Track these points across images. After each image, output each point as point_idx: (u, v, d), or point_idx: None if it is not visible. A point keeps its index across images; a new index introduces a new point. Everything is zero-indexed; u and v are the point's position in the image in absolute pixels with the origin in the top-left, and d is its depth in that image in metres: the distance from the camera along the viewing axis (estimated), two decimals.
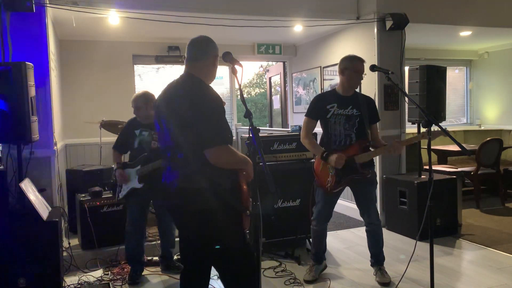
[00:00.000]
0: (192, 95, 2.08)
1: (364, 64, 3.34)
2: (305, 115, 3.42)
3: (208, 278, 2.36)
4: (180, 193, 2.12)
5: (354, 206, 3.53)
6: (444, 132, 2.74)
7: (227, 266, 2.18)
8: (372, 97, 3.66)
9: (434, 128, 2.80)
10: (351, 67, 3.28)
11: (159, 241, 3.89)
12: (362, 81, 5.13)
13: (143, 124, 3.60)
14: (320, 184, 3.38)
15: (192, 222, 2.13)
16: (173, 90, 2.21)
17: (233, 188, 2.10)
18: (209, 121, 2.03)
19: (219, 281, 3.44)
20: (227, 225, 2.09)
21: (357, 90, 3.52)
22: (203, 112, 2.03)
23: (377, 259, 3.48)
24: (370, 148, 3.36)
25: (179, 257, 3.96)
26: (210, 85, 2.22)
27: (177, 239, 4.02)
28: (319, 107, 3.36)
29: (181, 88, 2.17)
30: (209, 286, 2.41)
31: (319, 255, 3.56)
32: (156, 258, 3.92)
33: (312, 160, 4.35)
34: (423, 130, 2.98)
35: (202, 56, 2.23)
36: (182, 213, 2.19)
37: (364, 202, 3.40)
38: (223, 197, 2.06)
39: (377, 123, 3.45)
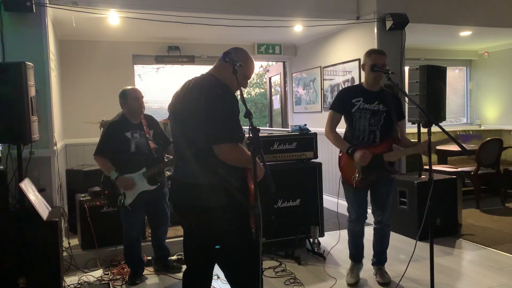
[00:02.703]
0: (206, 92, 2.09)
1: (384, 57, 3.20)
2: (329, 108, 3.35)
3: (210, 277, 2.37)
4: (189, 189, 2.13)
5: None
6: (444, 132, 2.73)
7: (234, 264, 2.18)
8: None
9: (436, 130, 2.78)
10: (368, 61, 3.20)
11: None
12: None
13: (132, 125, 3.48)
14: (345, 179, 3.28)
15: (199, 219, 2.14)
16: (190, 86, 2.22)
17: (241, 187, 2.11)
18: (219, 118, 2.04)
19: (219, 281, 3.45)
20: (235, 223, 2.09)
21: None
22: (214, 109, 2.04)
23: (380, 259, 3.46)
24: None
25: (178, 257, 3.96)
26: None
27: (177, 239, 4.04)
28: (344, 100, 3.27)
29: (198, 85, 2.18)
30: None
31: (359, 254, 3.47)
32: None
33: (312, 160, 4.36)
34: (423, 130, 2.97)
35: (224, 58, 2.19)
36: (189, 209, 2.19)
37: (380, 200, 3.33)
38: (232, 195, 2.07)
39: (403, 120, 3.37)
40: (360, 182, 3.19)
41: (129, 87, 3.60)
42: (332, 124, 3.29)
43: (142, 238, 3.90)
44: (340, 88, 5.41)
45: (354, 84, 3.44)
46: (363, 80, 3.38)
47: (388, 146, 3.20)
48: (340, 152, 3.32)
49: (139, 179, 3.42)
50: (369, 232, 3.48)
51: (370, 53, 3.24)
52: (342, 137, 3.32)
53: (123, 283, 3.52)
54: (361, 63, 3.35)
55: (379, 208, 3.36)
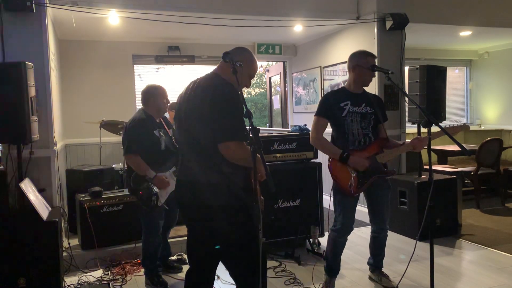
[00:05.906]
0: (211, 91, 2.11)
1: (376, 60, 3.17)
2: (315, 115, 3.13)
3: (213, 277, 2.36)
4: (194, 188, 2.14)
5: None
6: (444, 131, 2.73)
7: (238, 262, 2.18)
8: None
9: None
10: (363, 63, 3.09)
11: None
12: None
13: (157, 123, 3.39)
14: (341, 187, 3.05)
15: (203, 218, 2.15)
16: (195, 86, 2.24)
17: (245, 186, 2.11)
18: (225, 116, 2.05)
19: (219, 281, 3.45)
20: (239, 222, 2.10)
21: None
22: (220, 108, 2.05)
23: (381, 264, 3.41)
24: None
25: (178, 257, 3.96)
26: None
27: (177, 239, 4.05)
28: (331, 105, 3.10)
29: (202, 85, 2.21)
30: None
31: (338, 267, 3.31)
32: None
33: (312, 160, 4.35)
34: (423, 130, 2.96)
35: (224, 58, 2.19)
36: (193, 208, 2.20)
37: (380, 207, 3.20)
38: (236, 194, 2.07)
39: (385, 122, 3.25)
40: (358, 188, 3.03)
41: (156, 84, 3.45)
42: (319, 131, 3.08)
43: None
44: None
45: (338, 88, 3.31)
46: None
47: (378, 147, 3.11)
48: (329, 159, 3.11)
49: (171, 178, 3.32)
50: (363, 236, 3.47)
51: (366, 55, 3.15)
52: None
53: (123, 283, 3.52)
54: (352, 64, 3.16)
55: (379, 216, 3.22)
